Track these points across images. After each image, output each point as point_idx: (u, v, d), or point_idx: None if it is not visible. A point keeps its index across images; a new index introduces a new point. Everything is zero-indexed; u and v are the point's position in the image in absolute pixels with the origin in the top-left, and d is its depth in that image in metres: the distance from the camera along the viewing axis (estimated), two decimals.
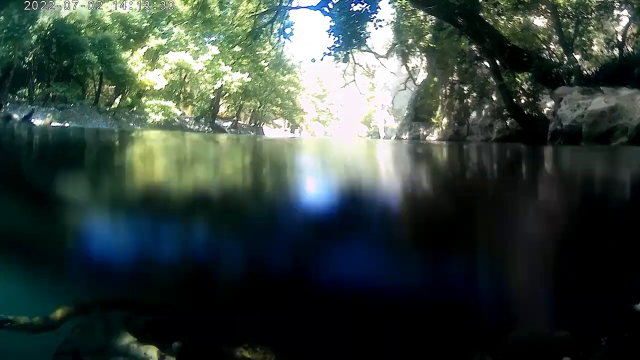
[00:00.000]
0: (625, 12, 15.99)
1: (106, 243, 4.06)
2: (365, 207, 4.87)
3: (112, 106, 24.11)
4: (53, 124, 18.81)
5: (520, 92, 18.19)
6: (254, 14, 23.21)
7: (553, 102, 14.96)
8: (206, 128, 27.78)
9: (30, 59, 21.34)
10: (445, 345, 3.23)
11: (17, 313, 3.37)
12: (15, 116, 18.49)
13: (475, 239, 4.20)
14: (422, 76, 25.77)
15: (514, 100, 17.74)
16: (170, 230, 4.41)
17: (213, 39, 26.26)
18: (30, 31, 19.49)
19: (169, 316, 3.80)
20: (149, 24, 23.59)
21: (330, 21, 19.84)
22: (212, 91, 26.67)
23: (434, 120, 24.04)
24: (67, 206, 4.71)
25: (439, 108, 23.82)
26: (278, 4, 23.10)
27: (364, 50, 26.18)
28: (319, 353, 3.32)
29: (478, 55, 19.34)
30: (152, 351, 3.48)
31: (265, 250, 4.09)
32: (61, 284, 3.88)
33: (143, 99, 24.04)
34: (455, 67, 22.04)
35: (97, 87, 24.28)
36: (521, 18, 18.71)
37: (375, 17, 19.66)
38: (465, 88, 21.76)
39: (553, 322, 3.24)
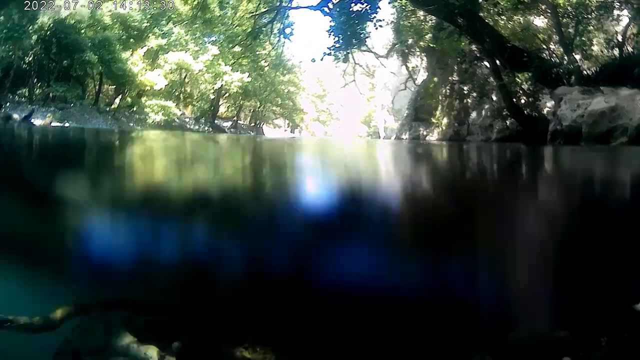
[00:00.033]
0: (625, 12, 15.99)
1: (105, 243, 4.06)
2: (363, 207, 4.87)
3: (112, 106, 24.11)
4: (53, 124, 18.82)
5: (520, 92, 18.19)
6: (254, 14, 23.20)
7: (553, 102, 14.96)
8: (206, 128, 27.79)
9: (30, 58, 21.34)
10: (444, 345, 3.23)
11: (18, 313, 3.38)
12: (15, 116, 18.50)
13: (474, 238, 4.20)
14: (422, 76, 25.77)
15: (514, 100, 17.74)
16: (169, 229, 4.41)
17: (213, 39, 26.25)
18: (30, 31, 19.49)
19: (168, 316, 3.80)
20: (149, 24, 23.58)
21: (330, 21, 19.86)
22: (212, 91, 26.67)
23: (434, 120, 24.04)
24: (65, 206, 4.71)
25: (439, 108, 23.82)
26: (278, 4, 23.10)
27: (364, 50, 26.18)
28: (318, 353, 3.32)
29: (478, 55, 19.34)
30: (152, 351, 3.48)
31: (264, 250, 4.09)
32: (61, 283, 3.88)
33: (143, 99, 24.04)
34: (455, 67, 22.03)
35: (97, 87, 24.28)
36: (521, 18, 18.71)
37: (375, 17, 19.66)
38: (465, 88, 21.75)
39: (553, 322, 3.23)
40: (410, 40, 23.93)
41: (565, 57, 16.34)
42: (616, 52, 15.68)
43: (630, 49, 15.48)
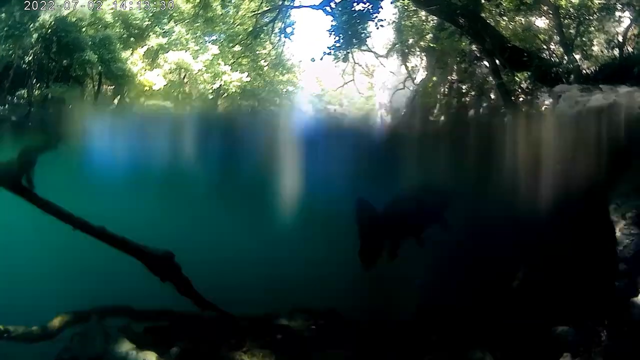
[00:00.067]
0: (627, 13, 16.02)
1: None
2: None
3: (111, 107, 23.99)
4: None
5: (519, 90, 18.22)
6: (256, 12, 23.10)
7: (551, 100, 15.00)
8: None
9: (30, 58, 21.22)
10: None
11: None
12: (14, 119, 18.47)
13: None
14: (421, 75, 25.72)
15: (512, 98, 17.78)
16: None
17: (214, 38, 26.15)
18: (32, 29, 19.34)
19: (167, 322, 3.82)
20: (150, 22, 23.46)
21: (331, 20, 19.77)
22: (210, 91, 26.59)
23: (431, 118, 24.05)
24: None
25: (437, 107, 23.83)
26: (280, 2, 23.01)
27: (364, 50, 26.16)
28: None
29: (478, 55, 19.34)
30: (151, 357, 3.50)
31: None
32: None
33: (141, 100, 23.93)
34: (455, 67, 22.04)
35: (96, 88, 24.16)
36: (523, 19, 18.72)
37: (376, 16, 19.62)
38: (464, 87, 21.77)
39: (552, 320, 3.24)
40: (410, 40, 23.93)
41: (565, 57, 16.36)
42: (616, 52, 15.71)
43: (630, 49, 15.50)
